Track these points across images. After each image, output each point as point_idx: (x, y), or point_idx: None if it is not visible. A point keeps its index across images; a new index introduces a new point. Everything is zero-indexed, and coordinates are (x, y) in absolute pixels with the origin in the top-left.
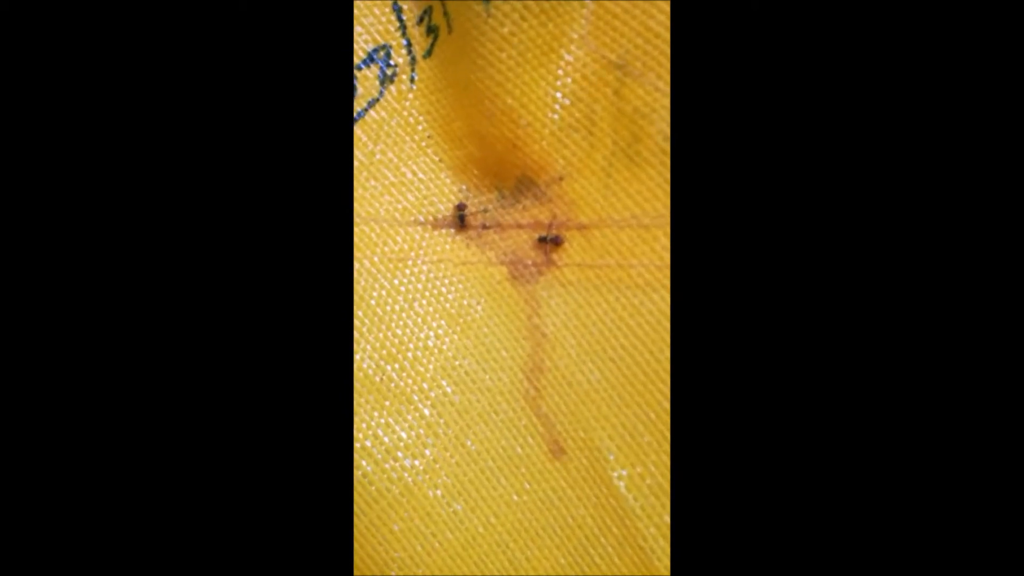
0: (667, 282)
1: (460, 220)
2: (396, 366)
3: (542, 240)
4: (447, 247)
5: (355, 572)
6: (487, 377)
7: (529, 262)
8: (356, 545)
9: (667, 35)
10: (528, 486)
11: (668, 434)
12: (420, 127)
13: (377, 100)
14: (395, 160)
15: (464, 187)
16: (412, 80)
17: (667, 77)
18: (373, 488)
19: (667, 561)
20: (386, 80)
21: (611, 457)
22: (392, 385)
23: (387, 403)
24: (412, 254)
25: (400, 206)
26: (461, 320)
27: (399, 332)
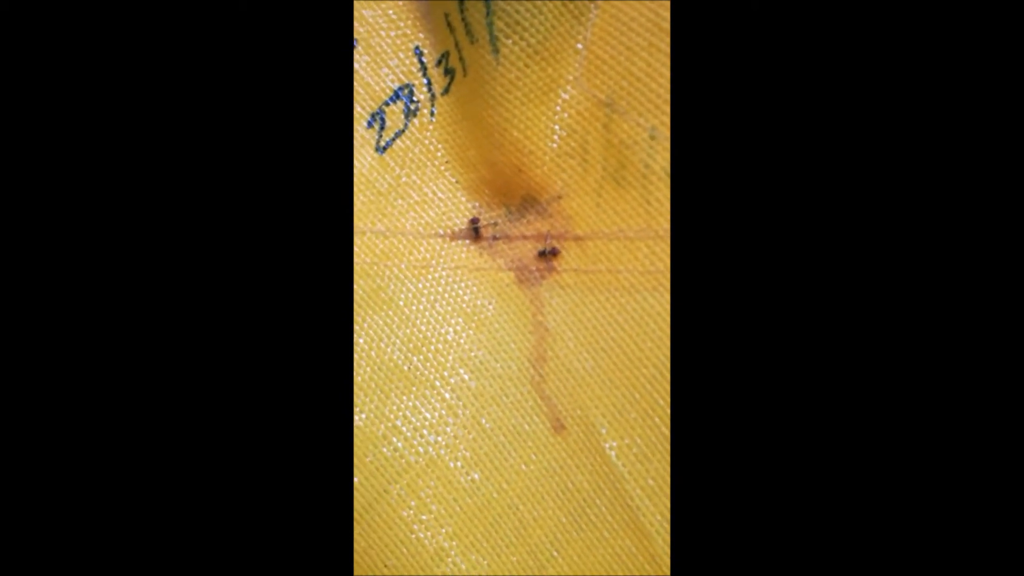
0: (649, 285)
1: (475, 232)
2: (421, 357)
3: (542, 254)
4: (463, 256)
5: (388, 532)
6: (498, 365)
7: (533, 268)
8: (390, 509)
9: (647, 79)
10: (534, 457)
11: (651, 411)
12: (439, 154)
13: (403, 131)
14: (418, 182)
15: (477, 204)
16: (432, 114)
17: (646, 114)
18: (403, 461)
19: (651, 518)
20: (410, 114)
21: (603, 431)
22: (418, 373)
23: (414, 389)
24: (433, 262)
25: (423, 221)
26: (476, 318)
27: (423, 328)
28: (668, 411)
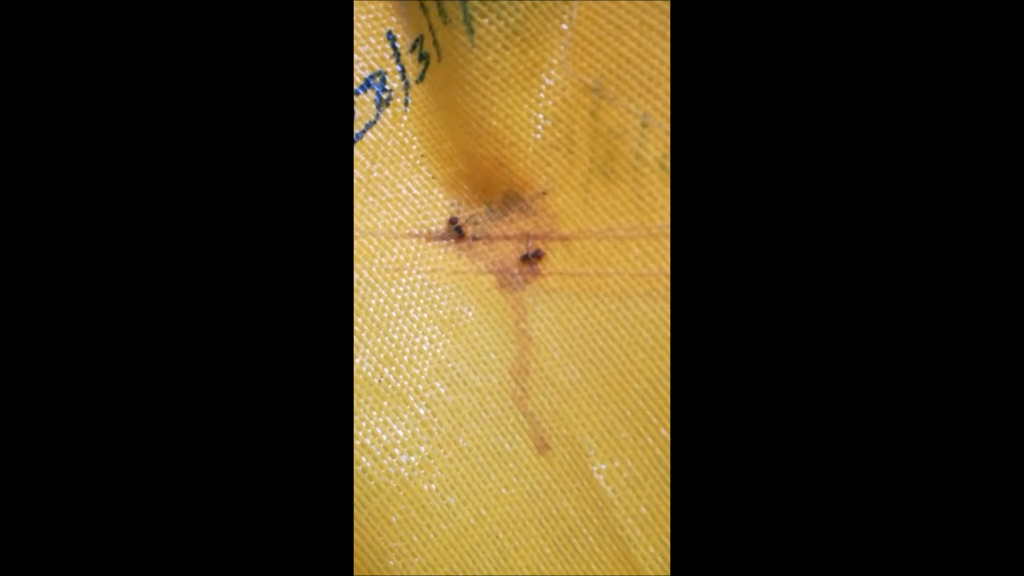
0: (642, 289)
1: (457, 231)
2: (393, 368)
3: (525, 259)
4: (440, 257)
5: (355, 561)
6: (477, 378)
7: (516, 271)
8: (357, 536)
9: (638, 60)
10: (515, 480)
11: (643, 430)
12: (414, 147)
13: (374, 123)
14: (391, 177)
15: (455, 202)
16: (406, 103)
17: (638, 100)
18: (372, 483)
19: (643, 550)
20: (382, 104)
21: (591, 452)
22: (389, 386)
23: (385, 403)
24: (408, 264)
25: (396, 220)
26: (453, 325)
27: (396, 337)
28: (662, 431)
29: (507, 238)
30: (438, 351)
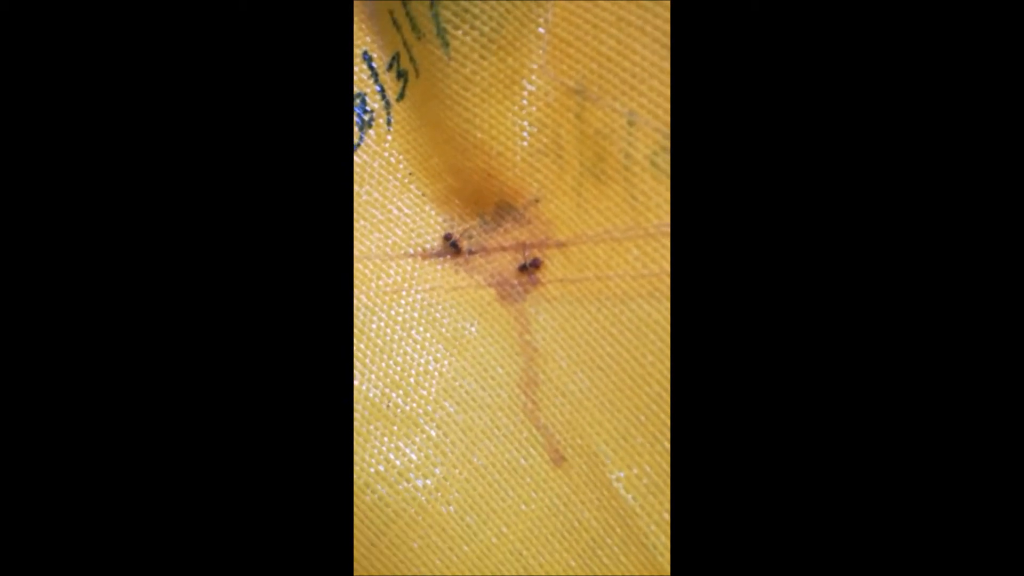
0: (643, 290)
1: (453, 247)
2: (400, 392)
3: (523, 268)
4: (437, 275)
5: None
6: (486, 394)
7: (515, 282)
8: (379, 564)
9: (618, 58)
10: (534, 495)
11: (659, 434)
12: (401, 166)
13: (358, 145)
14: (381, 199)
15: (448, 217)
16: (389, 123)
17: (622, 98)
18: (390, 510)
19: (669, 555)
20: (364, 125)
21: (607, 460)
22: (398, 411)
23: (395, 428)
24: (406, 285)
25: (390, 241)
26: (457, 342)
27: (400, 359)
28: None
29: (503, 249)
30: (444, 370)
